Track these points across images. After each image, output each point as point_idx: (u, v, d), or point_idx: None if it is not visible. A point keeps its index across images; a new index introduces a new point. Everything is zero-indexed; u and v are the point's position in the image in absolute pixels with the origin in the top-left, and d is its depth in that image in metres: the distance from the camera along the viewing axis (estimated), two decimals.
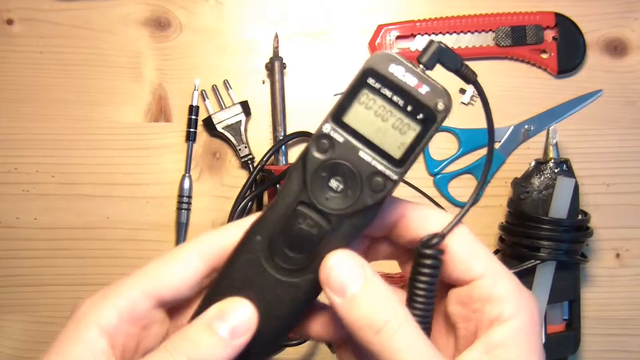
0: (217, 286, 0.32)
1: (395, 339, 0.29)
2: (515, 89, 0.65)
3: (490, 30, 0.64)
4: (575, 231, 0.57)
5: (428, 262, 0.31)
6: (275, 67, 0.63)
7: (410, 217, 0.33)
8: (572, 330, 0.60)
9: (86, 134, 0.64)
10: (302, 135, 0.63)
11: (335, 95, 0.64)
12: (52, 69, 0.65)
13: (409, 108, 0.30)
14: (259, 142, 0.65)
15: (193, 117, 0.64)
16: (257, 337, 0.31)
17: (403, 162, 0.31)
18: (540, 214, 0.57)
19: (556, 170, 0.58)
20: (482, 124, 0.64)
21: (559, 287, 0.58)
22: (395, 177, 0.31)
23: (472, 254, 0.32)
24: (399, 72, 0.30)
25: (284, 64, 0.64)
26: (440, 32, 0.64)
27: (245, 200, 0.61)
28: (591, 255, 0.64)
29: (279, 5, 0.66)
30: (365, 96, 0.31)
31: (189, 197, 0.64)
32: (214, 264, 0.33)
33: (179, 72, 0.65)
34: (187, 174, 0.64)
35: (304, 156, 0.31)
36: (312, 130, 0.63)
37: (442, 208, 0.63)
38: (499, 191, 0.64)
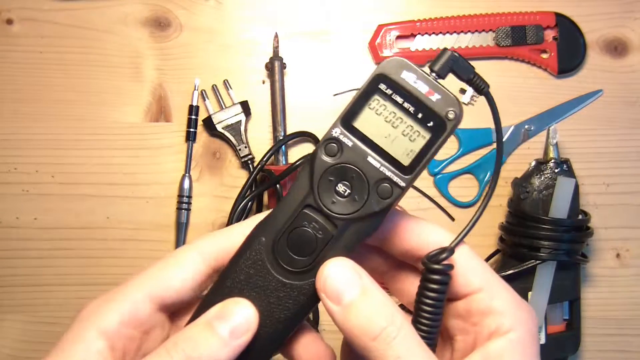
0: (220, 286, 0.32)
1: (393, 345, 0.29)
2: (516, 89, 0.65)
3: (490, 30, 0.64)
4: (576, 231, 0.57)
5: (438, 277, 0.31)
6: (275, 67, 0.63)
7: (408, 228, 0.33)
8: (572, 330, 0.60)
9: (86, 134, 0.64)
10: (302, 135, 0.63)
11: (335, 95, 0.64)
12: (53, 69, 0.65)
13: (420, 115, 0.30)
14: (259, 142, 0.65)
15: (193, 117, 0.64)
16: (258, 339, 0.31)
17: (412, 170, 0.30)
18: (541, 214, 0.57)
19: (556, 170, 0.58)
20: (483, 124, 0.64)
21: (559, 287, 0.58)
22: (403, 184, 0.30)
23: (471, 267, 0.32)
24: (411, 79, 0.30)
25: (284, 64, 0.64)
26: (440, 32, 0.64)
27: (245, 200, 0.61)
28: (591, 255, 0.64)
29: (279, 5, 0.66)
30: (376, 102, 0.31)
31: (189, 197, 0.64)
32: (216, 265, 0.33)
33: (179, 72, 0.65)
34: (187, 174, 0.64)
35: (312, 159, 0.31)
36: (312, 130, 0.64)
37: (443, 208, 0.63)
38: (499, 191, 0.64)
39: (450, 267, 0.31)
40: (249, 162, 0.64)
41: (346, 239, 0.31)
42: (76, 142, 0.64)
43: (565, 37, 0.64)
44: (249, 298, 0.31)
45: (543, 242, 0.56)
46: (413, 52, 0.64)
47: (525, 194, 0.58)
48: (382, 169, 0.30)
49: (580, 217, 0.58)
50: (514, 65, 0.65)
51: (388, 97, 0.30)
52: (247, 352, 0.31)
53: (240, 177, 0.64)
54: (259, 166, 0.62)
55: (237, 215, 0.61)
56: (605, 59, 0.65)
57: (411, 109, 0.30)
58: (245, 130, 0.64)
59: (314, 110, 0.65)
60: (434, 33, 0.64)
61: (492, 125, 0.54)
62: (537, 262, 0.57)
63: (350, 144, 0.31)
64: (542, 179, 0.58)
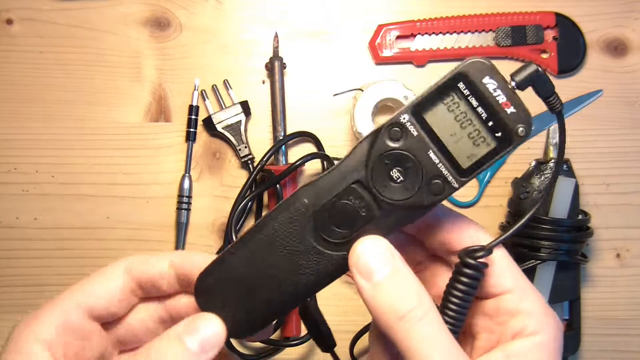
0: (254, 235, 0.33)
1: (418, 327, 0.29)
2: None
3: (490, 30, 0.64)
4: (576, 231, 0.57)
5: (471, 272, 0.31)
6: (275, 67, 0.63)
7: (449, 221, 0.33)
8: (572, 330, 0.60)
9: (86, 134, 0.64)
10: (302, 135, 0.63)
11: (335, 95, 0.64)
12: (52, 69, 0.65)
13: (490, 123, 0.30)
14: (259, 142, 0.65)
15: (193, 117, 0.64)
16: (277, 294, 0.32)
17: (468, 174, 0.31)
18: (541, 214, 0.57)
19: None
20: None
21: (559, 287, 0.58)
22: (456, 185, 0.31)
23: (505, 269, 0.33)
24: (491, 86, 0.30)
25: (284, 64, 0.64)
26: (440, 32, 0.64)
27: (245, 200, 0.61)
28: (591, 255, 0.64)
29: (279, 5, 0.66)
30: (451, 98, 0.31)
31: (189, 197, 0.64)
32: (141, 282, 0.34)
33: (179, 72, 0.65)
34: (187, 174, 0.64)
35: (374, 138, 0.31)
36: (312, 130, 0.64)
37: None
38: (499, 191, 0.64)
39: (485, 265, 0.32)
40: (249, 162, 0.64)
41: (386, 222, 0.32)
42: (76, 142, 0.64)
43: (565, 37, 0.64)
44: (278, 251, 0.32)
45: (543, 242, 0.56)
46: (413, 52, 0.64)
47: (525, 194, 0.58)
48: (440, 165, 0.31)
49: (580, 217, 0.58)
50: (514, 65, 0.65)
51: (464, 97, 0.30)
52: (264, 307, 0.32)
53: (240, 177, 0.64)
54: (259, 166, 0.62)
55: (237, 215, 0.61)
56: (605, 59, 0.65)
57: (483, 115, 0.30)
58: (245, 130, 0.64)
59: (314, 110, 0.65)
60: (434, 33, 0.64)
61: None
62: (537, 262, 0.57)
63: (415, 133, 0.31)
64: (542, 179, 0.58)
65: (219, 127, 0.63)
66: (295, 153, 0.64)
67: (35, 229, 0.64)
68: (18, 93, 0.64)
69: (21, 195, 0.64)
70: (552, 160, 0.59)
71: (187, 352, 0.31)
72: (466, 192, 0.64)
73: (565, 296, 0.59)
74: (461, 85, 0.30)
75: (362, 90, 0.61)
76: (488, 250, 0.32)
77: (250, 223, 0.64)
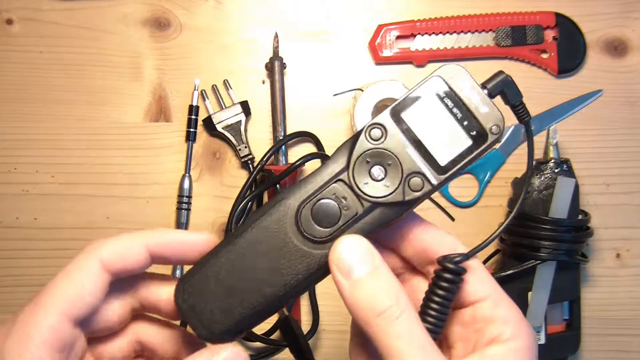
0: (237, 237, 0.33)
1: (395, 324, 0.30)
2: None
3: (490, 30, 0.64)
4: (576, 231, 0.57)
5: (451, 276, 0.32)
6: (275, 67, 0.63)
7: (424, 230, 0.34)
8: (572, 330, 0.60)
9: (86, 134, 0.64)
10: (302, 135, 0.63)
11: (335, 95, 0.64)
12: (52, 69, 0.65)
13: (465, 122, 0.32)
14: (259, 142, 0.65)
15: (193, 117, 0.64)
16: (262, 296, 0.32)
17: (446, 170, 0.32)
18: (541, 214, 0.57)
19: (556, 170, 0.58)
20: None
21: (559, 287, 0.58)
22: (435, 181, 0.32)
23: (480, 277, 0.33)
24: (464, 88, 0.32)
25: (284, 64, 0.64)
26: (440, 32, 0.64)
27: (245, 200, 0.61)
28: (591, 255, 0.64)
29: (279, 5, 0.66)
30: (429, 100, 0.32)
31: (189, 197, 0.64)
32: (114, 272, 0.33)
33: (179, 72, 0.65)
34: (187, 174, 0.64)
35: (355, 138, 0.33)
36: (312, 130, 0.64)
37: (443, 208, 0.63)
38: (499, 191, 0.64)
39: (464, 270, 0.32)
40: (249, 162, 0.64)
41: (368, 220, 0.33)
42: (76, 142, 0.64)
43: (565, 37, 0.64)
44: (263, 252, 0.33)
45: (543, 242, 0.56)
46: (413, 52, 0.64)
47: (525, 194, 0.58)
48: (418, 162, 0.32)
49: (580, 217, 0.58)
50: (514, 65, 0.65)
51: (440, 99, 0.32)
52: (241, 310, 0.32)
53: (240, 177, 0.64)
54: (259, 166, 0.62)
55: (237, 215, 0.61)
56: (605, 59, 0.65)
57: (458, 115, 0.32)
58: (245, 130, 0.64)
59: (314, 110, 0.65)
60: (434, 33, 0.64)
61: None
62: (537, 262, 0.56)
63: (394, 132, 0.32)
64: (542, 179, 0.58)
65: (219, 127, 0.63)
66: (295, 153, 0.64)
67: (35, 229, 0.64)
68: (18, 93, 0.64)
69: (21, 195, 0.64)
70: (553, 160, 0.59)
71: None
72: (466, 192, 0.64)
73: (565, 296, 0.59)
74: (437, 88, 0.32)
75: (362, 90, 0.61)
76: (466, 256, 0.33)
77: None
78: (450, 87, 0.32)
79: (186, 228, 0.63)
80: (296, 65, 0.65)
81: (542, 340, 0.59)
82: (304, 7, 0.66)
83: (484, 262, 0.61)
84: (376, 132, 0.32)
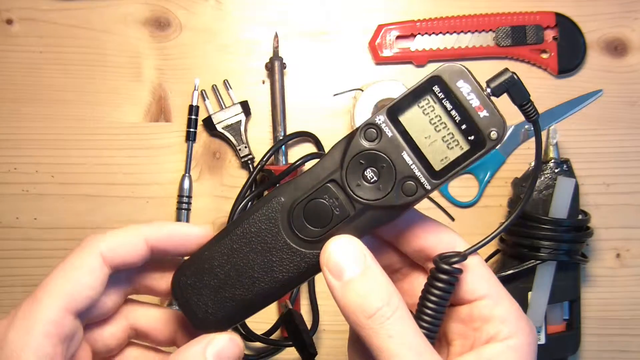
0: (229, 232, 0.33)
1: (387, 325, 0.30)
2: None
3: (490, 30, 0.64)
4: (576, 231, 0.57)
5: (445, 277, 0.32)
6: (275, 67, 0.63)
7: (424, 227, 0.34)
8: (572, 330, 0.60)
9: (86, 134, 0.64)
10: (302, 135, 0.63)
11: (335, 95, 0.64)
12: (52, 69, 0.64)
13: (464, 126, 0.31)
14: (259, 142, 0.65)
15: (193, 117, 0.64)
16: (252, 292, 0.33)
17: (440, 176, 0.31)
18: (541, 214, 0.57)
19: (556, 170, 0.58)
20: None
21: (559, 287, 0.58)
22: (428, 186, 0.31)
23: (479, 275, 0.33)
24: (465, 90, 0.31)
25: (284, 64, 0.64)
26: (440, 32, 0.64)
27: (245, 200, 0.61)
28: (591, 255, 0.64)
29: (279, 5, 0.66)
30: (426, 102, 0.31)
31: (189, 197, 0.64)
32: (114, 265, 0.33)
33: (179, 72, 0.65)
34: (187, 174, 0.64)
35: (350, 139, 0.32)
36: (312, 130, 0.64)
37: (443, 208, 0.63)
38: (499, 191, 0.64)
39: (460, 271, 0.32)
40: (249, 162, 0.64)
41: (360, 222, 0.32)
42: (76, 142, 0.64)
43: (565, 37, 0.64)
44: (253, 251, 0.33)
45: (543, 242, 0.56)
46: (413, 52, 0.64)
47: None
48: (413, 166, 0.31)
49: (580, 217, 0.58)
50: (514, 65, 0.65)
51: (439, 101, 0.31)
52: (233, 306, 0.33)
53: (240, 177, 0.64)
54: (259, 166, 0.62)
55: (237, 215, 0.61)
56: (605, 59, 0.65)
57: (457, 118, 0.31)
58: (245, 130, 0.64)
59: (314, 110, 0.65)
60: (434, 33, 0.64)
61: None
62: (537, 262, 0.57)
63: (390, 134, 0.31)
64: (542, 179, 0.58)
65: (219, 127, 0.63)
66: (295, 153, 0.64)
67: (35, 229, 0.64)
68: (18, 93, 0.64)
69: (21, 195, 0.64)
70: (553, 160, 0.59)
71: None
72: (466, 192, 0.64)
73: (565, 296, 0.59)
74: (436, 88, 0.31)
75: (362, 90, 0.61)
76: (463, 256, 0.32)
77: None
78: (449, 88, 0.31)
79: None
80: (296, 65, 0.65)
81: (542, 340, 0.59)
82: (304, 7, 0.66)
83: None
84: (371, 133, 0.31)
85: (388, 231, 0.34)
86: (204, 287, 0.33)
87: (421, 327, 0.31)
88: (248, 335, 0.60)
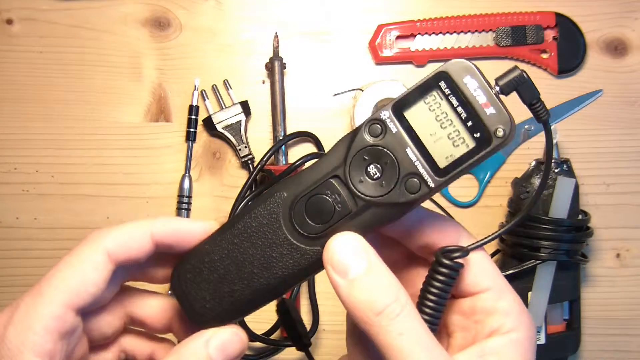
0: (230, 227, 0.33)
1: (396, 322, 0.29)
2: None
3: (490, 30, 0.64)
4: (576, 231, 0.57)
5: (446, 271, 0.32)
6: (275, 67, 0.63)
7: (430, 224, 0.33)
8: (572, 330, 0.60)
9: (86, 134, 0.64)
10: (302, 135, 0.63)
11: (335, 95, 0.64)
12: (52, 69, 0.64)
13: (470, 123, 0.30)
14: (259, 142, 0.65)
15: (193, 117, 0.64)
16: (251, 287, 0.32)
17: (445, 173, 0.30)
18: (541, 214, 0.57)
19: (556, 170, 0.58)
20: None
21: (559, 287, 0.58)
22: (432, 184, 0.30)
23: (483, 268, 0.33)
24: (472, 86, 0.30)
25: (284, 64, 0.64)
26: (440, 32, 0.64)
27: (245, 200, 0.61)
28: (591, 255, 0.64)
29: (279, 5, 0.66)
30: (433, 97, 0.30)
31: (189, 197, 0.64)
32: (118, 261, 0.33)
33: (179, 72, 0.65)
34: (187, 174, 0.64)
35: (354, 134, 0.31)
36: (312, 130, 0.64)
37: (443, 208, 0.63)
38: (499, 191, 0.64)
39: (460, 265, 0.32)
40: (249, 162, 0.64)
41: (362, 219, 0.32)
42: (76, 142, 0.64)
43: (565, 37, 0.64)
44: (253, 246, 0.32)
45: (543, 242, 0.56)
46: (413, 52, 0.64)
47: (525, 194, 0.58)
48: (417, 163, 0.31)
49: (580, 217, 0.58)
50: (514, 65, 0.65)
51: (445, 97, 0.30)
52: (232, 302, 0.32)
53: (240, 177, 0.64)
54: (259, 166, 0.62)
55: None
56: (605, 59, 0.65)
57: (463, 115, 0.30)
58: (245, 130, 0.64)
59: (314, 110, 0.65)
60: (434, 33, 0.64)
61: None
62: (537, 262, 0.56)
63: (394, 130, 0.31)
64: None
65: (219, 127, 0.63)
66: (295, 153, 0.64)
67: (35, 229, 0.64)
68: (18, 93, 0.64)
69: (21, 195, 0.64)
70: (552, 160, 0.59)
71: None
72: (466, 192, 0.64)
73: (565, 296, 0.59)
74: (442, 84, 0.30)
75: (362, 90, 0.61)
76: (465, 251, 0.32)
77: None
78: (456, 84, 0.30)
79: None
80: (296, 65, 0.65)
81: (542, 340, 0.59)
82: (304, 7, 0.66)
83: None
84: (375, 129, 0.31)
85: (394, 228, 0.34)
86: (203, 281, 0.33)
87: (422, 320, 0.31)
88: (248, 335, 0.60)
